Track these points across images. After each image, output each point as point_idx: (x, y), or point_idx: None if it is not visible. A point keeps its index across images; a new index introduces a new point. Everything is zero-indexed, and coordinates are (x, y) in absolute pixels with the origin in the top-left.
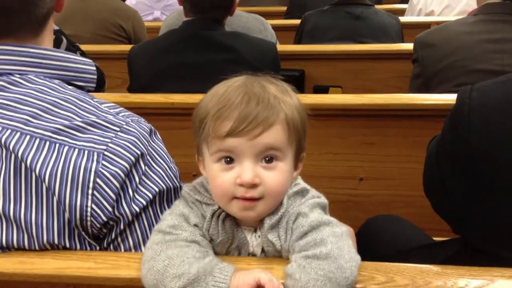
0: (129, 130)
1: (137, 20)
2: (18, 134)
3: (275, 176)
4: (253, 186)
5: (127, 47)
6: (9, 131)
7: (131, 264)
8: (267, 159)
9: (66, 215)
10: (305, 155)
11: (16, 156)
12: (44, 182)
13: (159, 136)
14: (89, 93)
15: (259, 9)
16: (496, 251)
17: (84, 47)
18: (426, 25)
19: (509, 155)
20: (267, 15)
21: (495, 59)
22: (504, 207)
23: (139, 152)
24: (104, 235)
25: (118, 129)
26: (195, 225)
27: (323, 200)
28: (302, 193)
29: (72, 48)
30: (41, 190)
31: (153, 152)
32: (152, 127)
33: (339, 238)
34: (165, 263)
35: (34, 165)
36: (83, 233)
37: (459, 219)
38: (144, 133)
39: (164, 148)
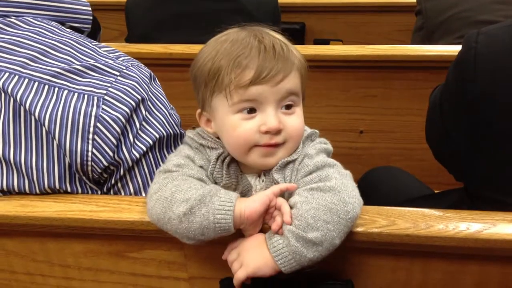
0: (129, 74)
1: None
2: (16, 77)
3: (295, 120)
4: (278, 132)
5: None
6: (7, 74)
7: (133, 207)
8: (285, 106)
9: (67, 159)
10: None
11: (15, 100)
12: (44, 126)
13: (158, 82)
14: (87, 37)
15: None
16: (500, 198)
17: None
18: None
19: None
20: None
21: (499, 10)
22: (507, 152)
23: (139, 97)
24: (104, 180)
25: (118, 73)
26: (201, 167)
27: (329, 146)
28: (311, 137)
29: None
30: (41, 134)
31: (154, 98)
32: (152, 73)
33: (343, 176)
34: (172, 190)
35: (33, 108)
36: (84, 177)
37: (463, 166)
38: (145, 78)
39: (164, 94)
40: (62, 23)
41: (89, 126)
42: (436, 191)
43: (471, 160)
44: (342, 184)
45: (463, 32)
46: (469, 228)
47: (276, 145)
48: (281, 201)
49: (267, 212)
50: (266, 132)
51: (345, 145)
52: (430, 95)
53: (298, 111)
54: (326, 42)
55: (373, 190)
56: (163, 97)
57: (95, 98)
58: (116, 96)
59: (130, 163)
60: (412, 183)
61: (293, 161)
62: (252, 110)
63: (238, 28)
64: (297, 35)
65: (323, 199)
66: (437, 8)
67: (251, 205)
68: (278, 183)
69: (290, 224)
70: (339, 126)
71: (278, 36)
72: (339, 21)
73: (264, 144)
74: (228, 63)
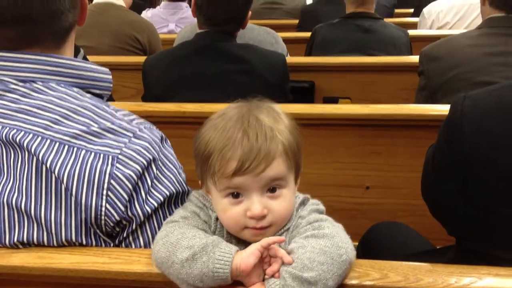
0: (142, 136)
1: (152, 32)
2: (39, 138)
3: (280, 203)
4: (263, 217)
5: (141, 59)
6: (31, 135)
7: (142, 259)
8: (271, 189)
9: (83, 214)
10: (302, 170)
11: (37, 159)
12: (63, 183)
13: (169, 143)
14: (106, 101)
15: (271, 22)
16: (491, 252)
17: (100, 58)
18: (435, 38)
19: (500, 159)
20: (279, 28)
21: (499, 72)
22: (496, 208)
23: (151, 157)
24: (117, 233)
25: (131, 135)
26: (205, 222)
27: (321, 206)
28: (303, 202)
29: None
30: (60, 190)
31: (164, 158)
32: (163, 135)
33: (336, 226)
34: (178, 237)
35: (53, 166)
36: (98, 231)
37: (455, 221)
38: (156, 139)
39: (174, 155)
40: (84, 89)
41: (104, 183)
42: (438, 247)
43: (460, 215)
44: (335, 231)
45: (464, 93)
46: (457, 282)
47: (262, 228)
48: (275, 248)
49: (263, 261)
50: (251, 217)
51: (351, 201)
52: (427, 151)
53: (285, 192)
54: (335, 99)
55: (375, 246)
56: (172, 156)
57: (110, 157)
58: (129, 155)
59: (142, 218)
60: (414, 239)
61: (288, 229)
62: (237, 195)
63: (234, 107)
64: (307, 93)
65: (318, 243)
66: (439, 70)
67: (245, 260)
68: None
69: (291, 263)
70: (345, 182)
71: (266, 119)
72: (347, 80)
73: (251, 227)
74: (216, 153)
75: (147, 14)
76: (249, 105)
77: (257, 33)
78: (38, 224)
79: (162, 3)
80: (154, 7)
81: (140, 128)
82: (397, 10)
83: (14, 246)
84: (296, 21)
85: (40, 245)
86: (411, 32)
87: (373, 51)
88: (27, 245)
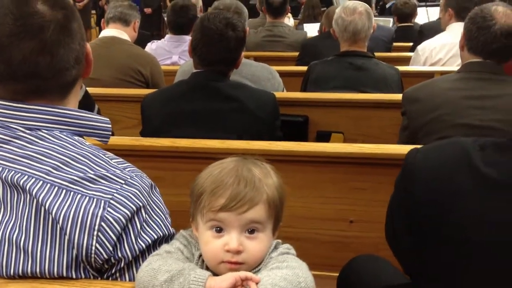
0: (132, 183)
1: (154, 65)
2: (41, 182)
3: (256, 245)
4: (238, 252)
5: (143, 91)
6: (33, 179)
7: None
8: (249, 230)
9: (74, 251)
10: (281, 224)
11: (37, 201)
12: (59, 223)
13: (158, 190)
14: (102, 150)
15: (273, 54)
16: None
17: (105, 90)
18: (429, 74)
19: (445, 207)
20: (280, 60)
21: (475, 115)
22: (443, 254)
23: (140, 203)
24: (106, 269)
25: (123, 182)
26: (187, 258)
27: (292, 251)
28: (276, 246)
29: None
30: (55, 230)
31: (153, 204)
32: (153, 183)
33: (300, 262)
34: (160, 263)
35: (51, 208)
36: (88, 267)
37: (409, 262)
38: (146, 187)
39: (162, 201)
40: (84, 137)
41: (95, 225)
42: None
43: (412, 257)
44: (297, 265)
45: (443, 134)
46: None
47: (237, 263)
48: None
49: None
50: (228, 251)
51: (335, 233)
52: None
53: (262, 236)
54: (328, 134)
55: (355, 277)
56: (160, 202)
57: (102, 201)
58: (120, 200)
59: (131, 258)
60: (388, 272)
61: (259, 270)
62: (220, 230)
63: (233, 159)
64: (301, 127)
65: (281, 272)
66: (419, 112)
67: (219, 283)
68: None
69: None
70: (330, 215)
71: (258, 172)
72: (340, 115)
73: (227, 261)
74: (208, 191)
75: (151, 46)
76: (245, 160)
77: (254, 68)
78: (33, 260)
79: (167, 36)
80: (159, 39)
81: (131, 176)
82: (395, 44)
83: (10, 277)
84: (297, 54)
85: (33, 276)
86: (405, 68)
87: (365, 88)
88: (23, 277)
